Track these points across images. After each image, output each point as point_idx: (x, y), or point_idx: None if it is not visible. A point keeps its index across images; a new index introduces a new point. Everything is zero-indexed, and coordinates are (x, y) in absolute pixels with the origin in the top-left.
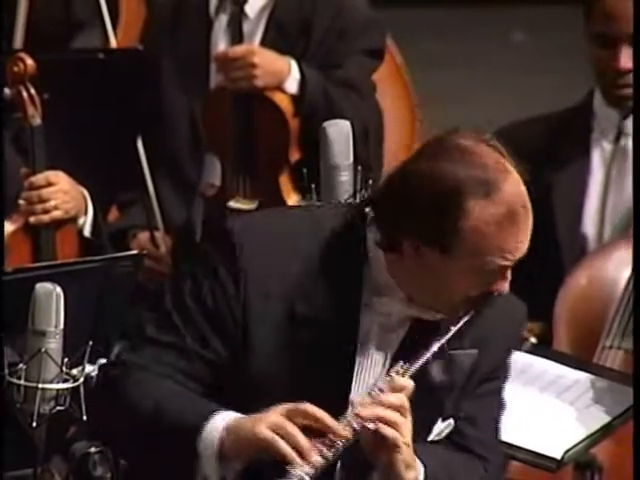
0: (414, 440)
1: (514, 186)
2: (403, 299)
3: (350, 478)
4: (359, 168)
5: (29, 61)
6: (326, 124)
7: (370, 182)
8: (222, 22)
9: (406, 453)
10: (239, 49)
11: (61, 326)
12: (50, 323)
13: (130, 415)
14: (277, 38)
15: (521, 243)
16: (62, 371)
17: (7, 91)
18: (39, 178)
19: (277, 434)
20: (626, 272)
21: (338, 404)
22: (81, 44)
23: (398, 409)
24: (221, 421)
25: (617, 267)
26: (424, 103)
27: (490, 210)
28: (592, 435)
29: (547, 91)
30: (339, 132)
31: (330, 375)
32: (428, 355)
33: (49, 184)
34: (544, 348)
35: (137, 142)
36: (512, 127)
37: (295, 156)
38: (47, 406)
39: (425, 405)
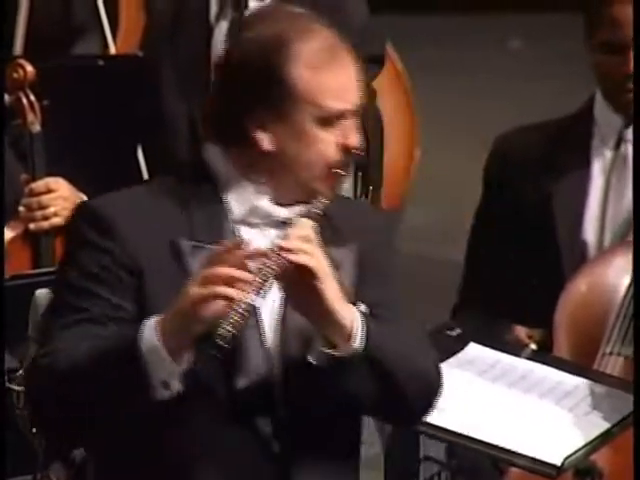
0: None
1: (326, 29)
2: (269, 202)
3: (289, 347)
4: (359, 174)
5: (29, 67)
6: None
7: (371, 188)
8: (222, 28)
9: (333, 286)
10: None
11: None
12: None
13: (69, 372)
14: None
15: (351, 82)
16: None
17: (7, 98)
18: (39, 185)
19: (209, 283)
20: (626, 279)
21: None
22: (81, 51)
23: (305, 240)
24: (152, 322)
25: (617, 274)
26: (423, 109)
27: (311, 47)
28: (592, 442)
29: (545, 98)
30: None
31: None
32: (320, 208)
33: (49, 191)
34: (544, 354)
35: (137, 148)
36: (511, 134)
37: None
38: None
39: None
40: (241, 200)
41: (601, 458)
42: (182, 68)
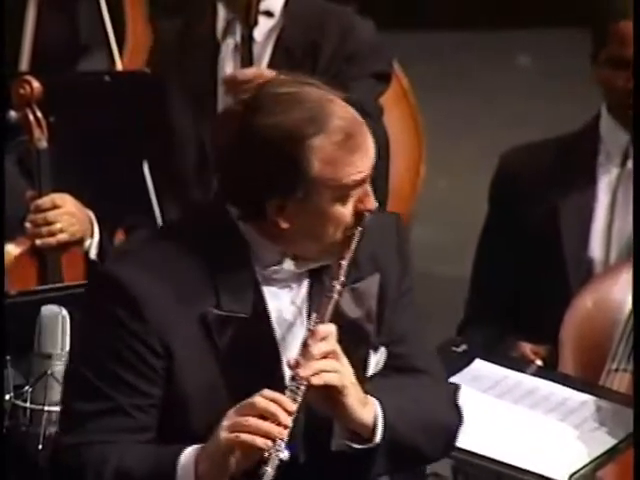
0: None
1: (342, 110)
2: (291, 259)
3: (314, 435)
4: None
5: (35, 84)
6: None
7: (376, 204)
8: (229, 45)
9: (355, 391)
10: (248, 72)
11: (67, 349)
12: (56, 346)
13: None
14: (284, 62)
15: (366, 156)
16: None
17: (13, 114)
18: (45, 201)
19: (237, 432)
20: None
21: (276, 382)
22: (87, 67)
23: (331, 355)
24: (189, 455)
25: (623, 290)
26: (429, 126)
27: (330, 140)
28: (598, 458)
29: (552, 115)
30: None
31: (259, 361)
32: (334, 295)
33: (55, 207)
34: (550, 371)
35: (143, 165)
36: (518, 151)
37: None
38: (53, 428)
39: (351, 343)
40: (265, 261)
41: (607, 475)
42: (189, 84)
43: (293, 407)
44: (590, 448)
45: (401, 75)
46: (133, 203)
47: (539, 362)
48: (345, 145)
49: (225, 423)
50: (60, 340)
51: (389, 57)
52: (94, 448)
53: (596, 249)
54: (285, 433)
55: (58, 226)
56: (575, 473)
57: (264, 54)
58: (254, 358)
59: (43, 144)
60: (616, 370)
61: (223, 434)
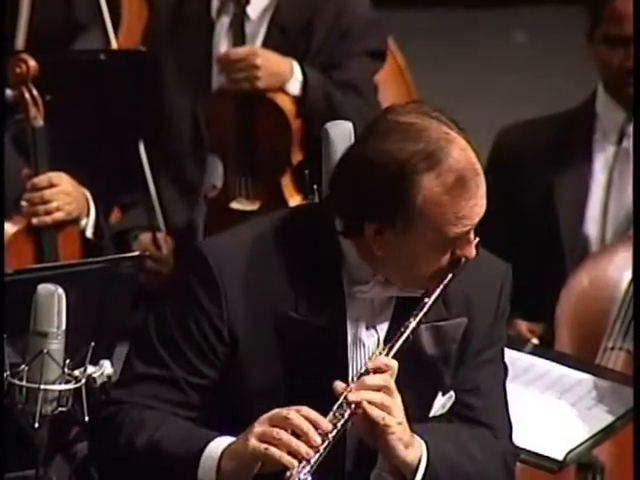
0: (416, 418)
1: (459, 153)
2: (380, 282)
3: (360, 462)
4: None
5: (32, 62)
6: (328, 125)
7: None
8: (224, 24)
9: (401, 432)
10: (241, 50)
11: (63, 327)
12: (52, 324)
13: (127, 452)
14: (279, 40)
15: (476, 206)
16: (64, 372)
17: (9, 92)
18: (41, 179)
19: (266, 442)
20: (628, 273)
21: (336, 398)
22: (83, 45)
23: (383, 389)
24: (216, 448)
25: (619, 268)
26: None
27: (439, 181)
28: (594, 436)
29: (549, 92)
30: (341, 133)
31: (326, 373)
32: (407, 332)
33: (51, 185)
34: (546, 349)
35: (139, 143)
36: (514, 128)
37: (297, 157)
38: (49, 407)
39: (421, 380)
40: (356, 278)
41: (603, 452)
42: (184, 63)
43: (328, 427)
44: (586, 426)
45: (397, 53)
46: (129, 182)
47: (535, 340)
48: (453, 190)
49: (256, 430)
50: (56, 318)
51: (384, 34)
52: (135, 410)
53: (592, 227)
54: (312, 454)
55: (54, 205)
56: (571, 451)
57: (258, 33)
58: (321, 369)
59: (39, 122)
60: (612, 348)
61: (253, 441)
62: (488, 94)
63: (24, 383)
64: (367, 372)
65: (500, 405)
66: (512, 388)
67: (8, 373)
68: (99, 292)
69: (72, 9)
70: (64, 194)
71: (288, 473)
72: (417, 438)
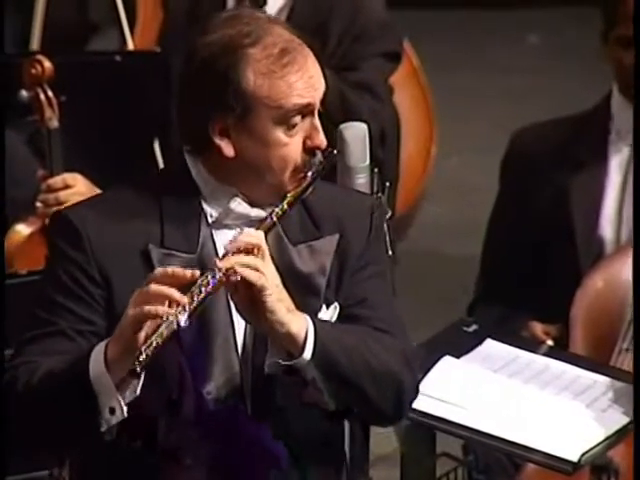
0: None
1: (281, 31)
2: (242, 201)
3: (253, 363)
4: (376, 170)
5: (47, 63)
6: (343, 126)
7: (387, 184)
8: None
9: (279, 293)
10: None
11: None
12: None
13: (26, 393)
14: None
15: (310, 78)
16: None
17: (24, 93)
18: (56, 180)
19: (140, 304)
20: None
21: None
22: (98, 46)
23: (252, 251)
24: (100, 346)
25: None
26: (439, 105)
27: (265, 53)
28: (609, 438)
29: (561, 93)
30: (356, 134)
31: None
32: (273, 219)
33: (66, 186)
34: (561, 351)
35: (154, 144)
36: (528, 130)
37: None
38: None
39: (300, 295)
40: (215, 203)
41: (617, 454)
42: None
43: (196, 274)
44: (601, 428)
45: (411, 54)
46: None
47: (550, 342)
48: (280, 60)
49: (130, 302)
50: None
51: (399, 36)
52: (30, 365)
53: (607, 228)
54: (185, 300)
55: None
56: (586, 453)
57: None
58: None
59: (54, 124)
60: (627, 350)
61: (128, 311)
62: (501, 95)
63: None
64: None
65: (390, 314)
66: (527, 390)
67: None
68: None
69: (87, 10)
70: (79, 195)
71: (164, 317)
72: (301, 314)
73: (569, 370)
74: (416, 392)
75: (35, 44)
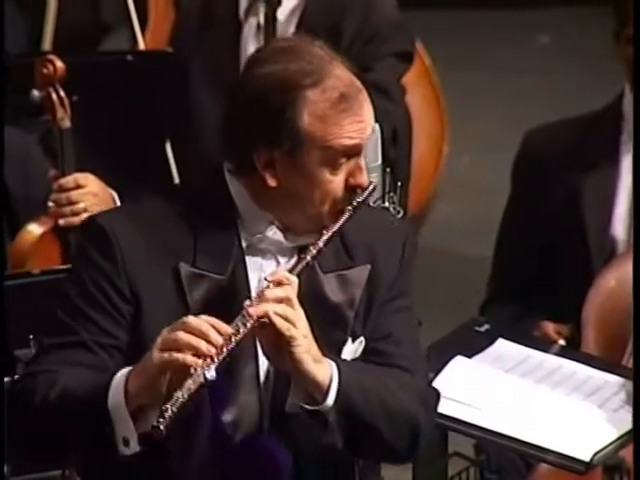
0: None
1: (341, 72)
2: (278, 229)
3: (275, 399)
4: (388, 170)
5: (59, 63)
6: None
7: (399, 184)
8: (252, 25)
9: (307, 345)
10: None
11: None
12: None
13: (43, 409)
14: None
15: (362, 122)
16: None
17: (36, 93)
18: (68, 180)
19: (168, 350)
20: None
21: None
22: (110, 46)
23: (284, 301)
24: (121, 374)
25: None
26: (450, 105)
27: (324, 96)
28: (621, 437)
29: (573, 92)
30: None
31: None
32: (308, 259)
33: (78, 186)
34: (573, 350)
35: (166, 144)
36: (540, 130)
37: None
38: None
39: (328, 327)
40: (251, 227)
41: (629, 454)
42: (211, 64)
43: (228, 330)
44: (613, 428)
45: (423, 54)
46: (155, 183)
47: (562, 342)
48: (338, 105)
49: (157, 341)
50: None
51: (411, 36)
52: (49, 375)
53: (619, 228)
54: (214, 352)
55: (81, 206)
56: (598, 452)
57: (286, 34)
58: (225, 322)
59: (66, 123)
60: None
61: (154, 352)
62: (512, 95)
63: None
64: (268, 287)
65: (414, 351)
66: (539, 389)
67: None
68: None
69: (99, 10)
70: (91, 195)
71: (192, 370)
72: (327, 359)
73: (581, 370)
74: (431, 431)
75: (47, 44)
